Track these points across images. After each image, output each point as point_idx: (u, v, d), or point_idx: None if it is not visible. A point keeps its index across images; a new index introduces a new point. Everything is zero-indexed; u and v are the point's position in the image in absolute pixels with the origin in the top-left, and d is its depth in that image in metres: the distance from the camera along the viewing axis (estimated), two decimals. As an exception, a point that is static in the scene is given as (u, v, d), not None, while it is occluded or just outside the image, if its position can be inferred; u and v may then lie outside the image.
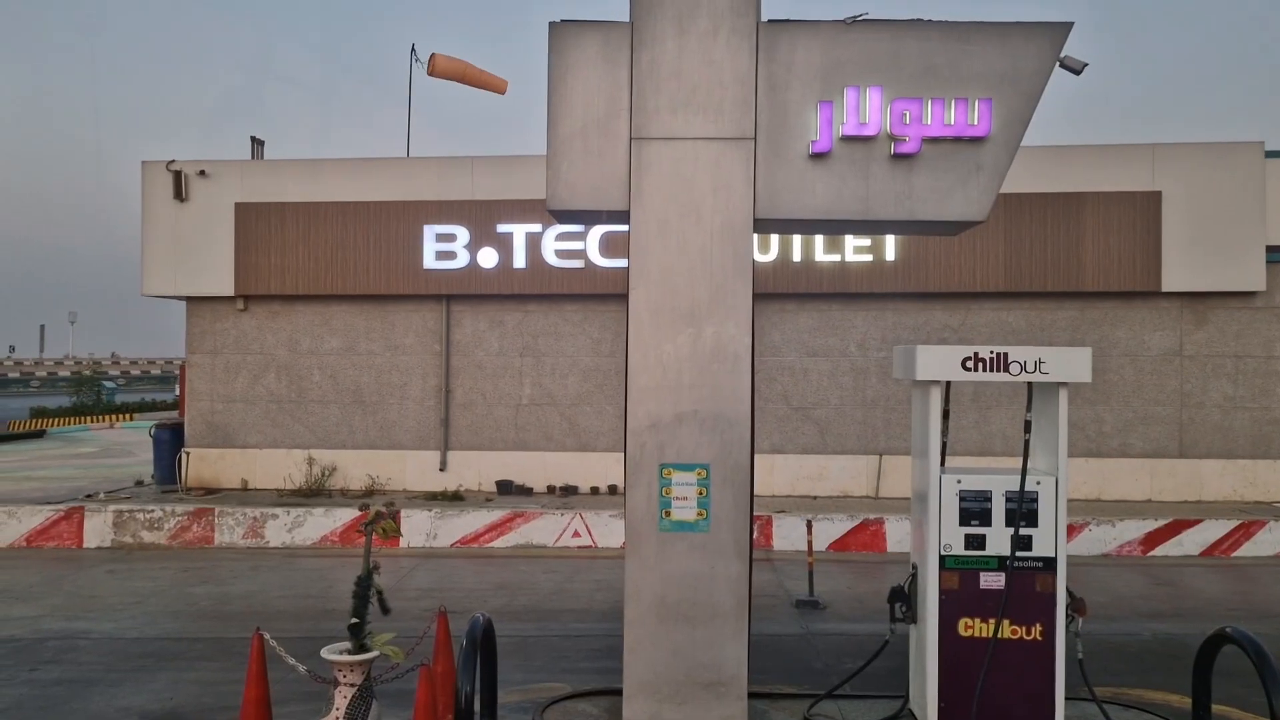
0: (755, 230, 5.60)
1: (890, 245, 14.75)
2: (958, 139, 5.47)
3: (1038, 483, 5.25)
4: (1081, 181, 14.59)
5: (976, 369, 5.24)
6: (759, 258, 14.70)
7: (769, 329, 15.29)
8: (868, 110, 5.44)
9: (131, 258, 16.41)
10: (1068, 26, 5.54)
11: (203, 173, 16.07)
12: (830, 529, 12.09)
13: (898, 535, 11.93)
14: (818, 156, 5.52)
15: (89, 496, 14.88)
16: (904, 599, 5.55)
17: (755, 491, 6.05)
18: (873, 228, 6.04)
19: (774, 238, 14.63)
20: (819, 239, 14.74)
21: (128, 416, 37.23)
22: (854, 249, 14.82)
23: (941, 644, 5.27)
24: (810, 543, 9.94)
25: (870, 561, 11.57)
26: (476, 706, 5.56)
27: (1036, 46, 5.50)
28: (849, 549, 12.03)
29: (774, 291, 14.88)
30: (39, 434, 30.74)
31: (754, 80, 5.53)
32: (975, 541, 5.24)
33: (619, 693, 5.82)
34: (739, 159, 5.53)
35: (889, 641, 5.71)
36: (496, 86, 13.42)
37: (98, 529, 12.56)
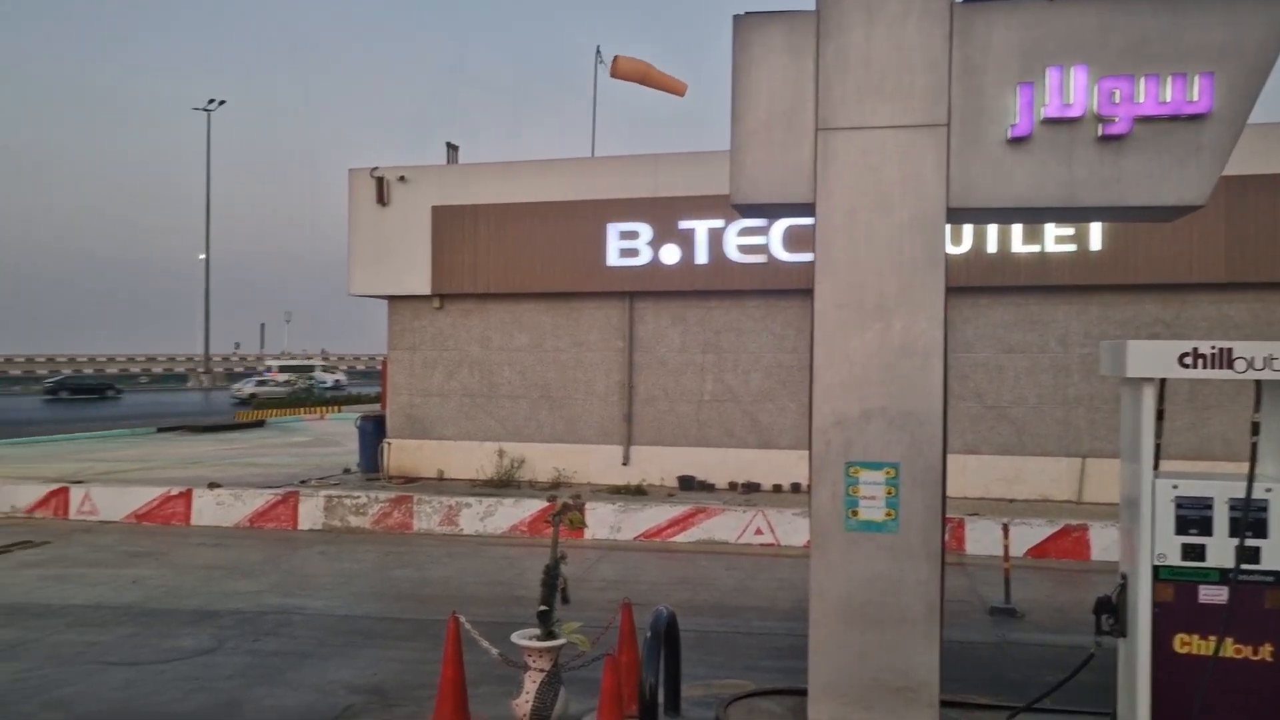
0: (948, 221, 5.38)
1: (1095, 233, 13.89)
2: (1174, 118, 5.07)
3: (1268, 490, 4.79)
4: (1317, 161, 13.28)
5: (1195, 365, 4.83)
6: (950, 250, 14.13)
7: (961, 324, 14.71)
8: (1072, 90, 5.11)
9: (339, 260, 17.54)
10: (1304, -11, 5.03)
11: (402, 178, 16.96)
12: (1028, 534, 11.49)
13: (1103, 543, 11.21)
14: (1016, 141, 5.24)
15: (303, 482, 16.00)
16: (1111, 610, 5.19)
17: (946, 493, 5.82)
18: (1077, 215, 5.69)
19: (967, 228, 14.07)
20: (1016, 228, 14.07)
21: (336, 409, 39.80)
22: (1055, 238, 14.06)
23: (1154, 660, 4.90)
24: (1006, 548, 9.48)
25: (1072, 569, 10.93)
26: (660, 698, 5.61)
27: (1266, 14, 5.02)
28: (1048, 555, 11.41)
29: (967, 285, 14.30)
30: (260, 424, 33.34)
31: (947, 64, 5.31)
32: (1193, 552, 4.84)
33: (803, 693, 5.73)
34: (930, 147, 5.33)
35: (1094, 655, 5.37)
36: (676, 89, 13.55)
37: (310, 512, 13.48)
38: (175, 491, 13.87)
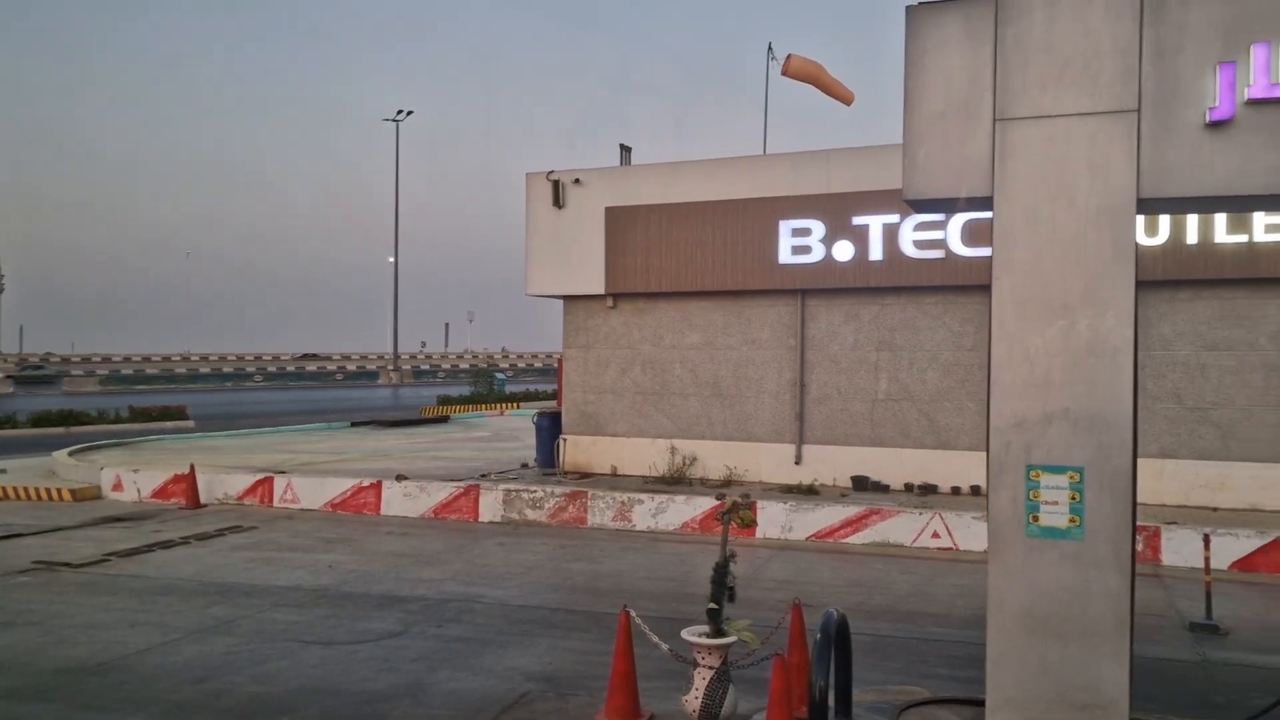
0: (1140, 212, 5.07)
1: (1312, 221, 12.75)
2: (1405, 92, 4.60)
3: None
4: None
5: None
6: (1145, 241, 13.32)
7: (1158, 320, 13.81)
8: (1282, 68, 4.73)
9: (519, 260, 18.15)
10: None
11: (577, 181, 17.38)
12: (1233, 545, 10.68)
13: (1321, 557, 10.30)
14: (1216, 125, 4.88)
15: (483, 476, 16.65)
16: (1328, 632, 4.78)
17: (1140, 499, 5.49)
18: (1288, 203, 5.25)
19: (1163, 218, 13.19)
20: (1219, 218, 13.08)
21: (515, 405, 41.18)
22: (1265, 227, 13.01)
23: (1379, 689, 4.48)
24: (1207, 559, 8.85)
25: (1284, 585, 10.09)
26: (831, 701, 5.55)
27: None
28: (1257, 569, 10.57)
29: (1163, 279, 13.43)
30: (444, 419, 34.88)
31: (1137, 47, 5.01)
32: None
33: (981, 704, 5.54)
34: (1119, 135, 5.04)
35: (1308, 679, 4.96)
36: (844, 97, 13.37)
37: (490, 505, 14.03)
38: (366, 483, 14.73)
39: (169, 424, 31.84)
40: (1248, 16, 4.84)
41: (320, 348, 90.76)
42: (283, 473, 15.96)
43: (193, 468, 15.40)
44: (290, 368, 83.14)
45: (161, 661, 7.38)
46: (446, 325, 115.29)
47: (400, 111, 70.49)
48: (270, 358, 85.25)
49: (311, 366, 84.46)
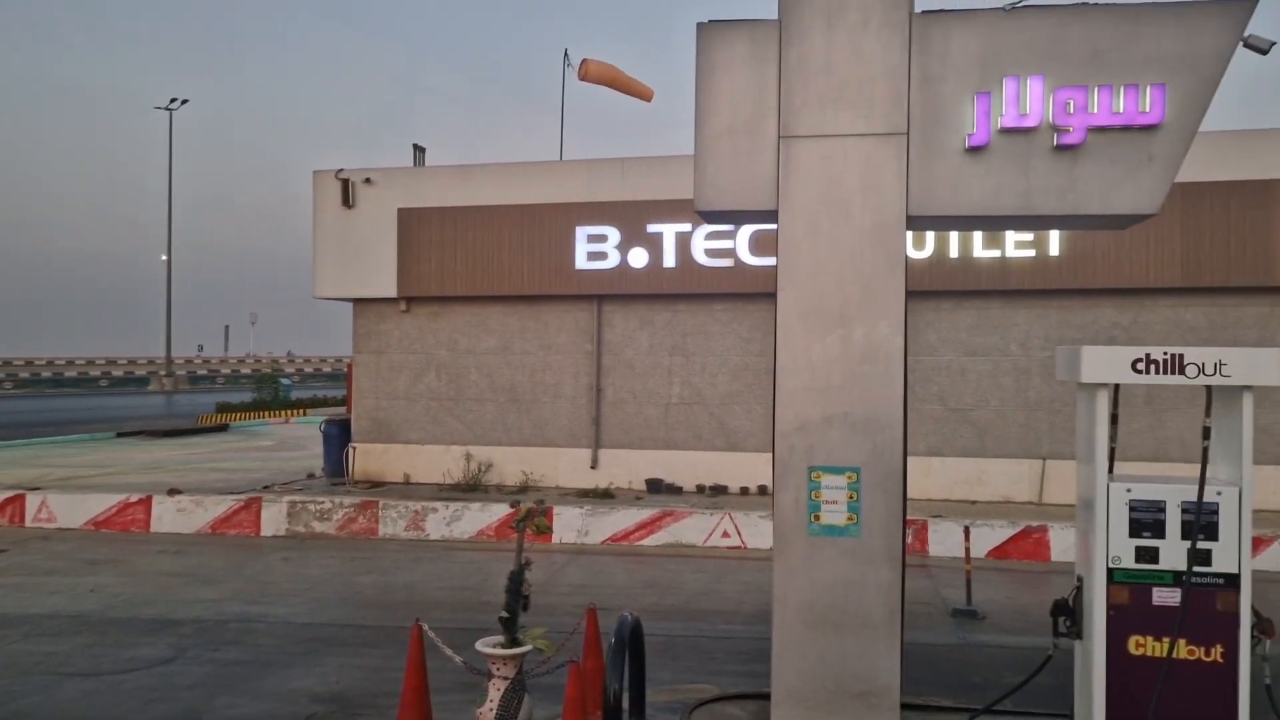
0: (908, 228, 5.44)
1: (1054, 240, 14.09)
2: (1127, 128, 5.16)
3: (1218, 493, 4.89)
4: (1272, 168, 13.54)
5: (1148, 371, 4.92)
6: (913, 254, 14.30)
7: (924, 328, 14.85)
8: (1028, 101, 5.20)
9: (305, 261, 17.39)
10: (1252, 3, 5.14)
11: (368, 180, 16.85)
12: (989, 535, 11.63)
13: (1063, 544, 11.37)
14: (974, 150, 5.31)
15: (266, 488, 15.83)
16: (1068, 612, 5.27)
17: (910, 495, 5.88)
18: (1033, 223, 5.78)
19: (929, 234, 14.21)
20: (978, 235, 14.23)
21: (301, 412, 39.39)
22: (1015, 244, 14.25)
23: (1110, 662, 4.98)
24: (968, 550, 9.59)
25: (1033, 571, 11.08)
26: (625, 704, 5.62)
27: (1217, 25, 5.13)
28: (1009, 557, 11.55)
29: (929, 289, 14.45)
30: (223, 428, 32.93)
31: (906, 73, 5.37)
32: (1147, 554, 4.93)
33: (767, 697, 5.76)
34: (890, 155, 5.39)
35: (1051, 657, 5.45)
36: (643, 94, 13.67)
37: (274, 518, 13.35)
38: (134, 498, 13.69)
39: (-102, 437, 28.44)
40: (999, 51, 5.29)
41: (83, 351, 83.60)
42: (37, 489, 14.59)
43: (-73, 486, 13.82)
44: (46, 373, 76.19)
45: (-114, 706, 6.58)
46: (227, 328, 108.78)
47: (174, 100, 66.11)
48: (22, 361, 77.74)
49: (71, 372, 77.67)
